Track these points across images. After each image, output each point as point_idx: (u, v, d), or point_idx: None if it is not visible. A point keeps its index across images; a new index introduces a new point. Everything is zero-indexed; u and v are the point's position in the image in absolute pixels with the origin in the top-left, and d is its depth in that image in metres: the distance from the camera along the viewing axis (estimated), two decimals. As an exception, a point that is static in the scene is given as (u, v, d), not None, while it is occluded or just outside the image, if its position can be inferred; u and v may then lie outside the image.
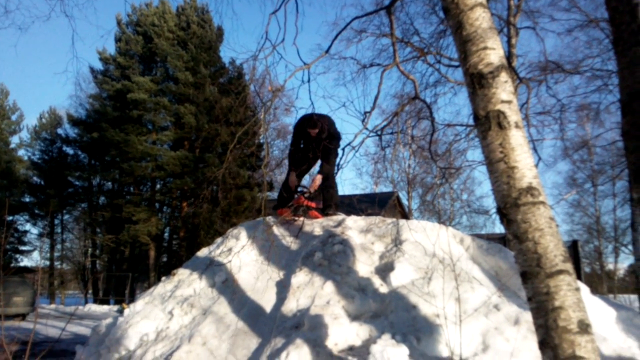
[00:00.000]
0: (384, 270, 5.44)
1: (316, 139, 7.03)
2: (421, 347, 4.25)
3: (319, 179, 7.04)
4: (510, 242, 3.13)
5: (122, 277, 33.64)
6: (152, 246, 34.18)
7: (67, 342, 12.11)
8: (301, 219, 6.77)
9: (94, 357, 5.43)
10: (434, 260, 5.46)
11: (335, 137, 7.11)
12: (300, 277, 5.49)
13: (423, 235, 5.95)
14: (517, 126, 3.09)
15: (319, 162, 7.39)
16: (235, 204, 29.66)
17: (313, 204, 7.21)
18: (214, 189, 27.04)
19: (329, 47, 5.61)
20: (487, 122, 3.13)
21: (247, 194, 30.39)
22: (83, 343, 6.04)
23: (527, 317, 4.38)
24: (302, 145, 7.32)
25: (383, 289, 5.15)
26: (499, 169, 3.06)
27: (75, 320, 18.07)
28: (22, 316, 20.67)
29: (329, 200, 7.24)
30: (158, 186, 36.50)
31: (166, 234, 37.30)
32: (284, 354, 4.28)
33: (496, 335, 4.32)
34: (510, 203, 2.99)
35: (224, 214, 29.66)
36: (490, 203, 43.93)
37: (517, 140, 3.05)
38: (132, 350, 5.16)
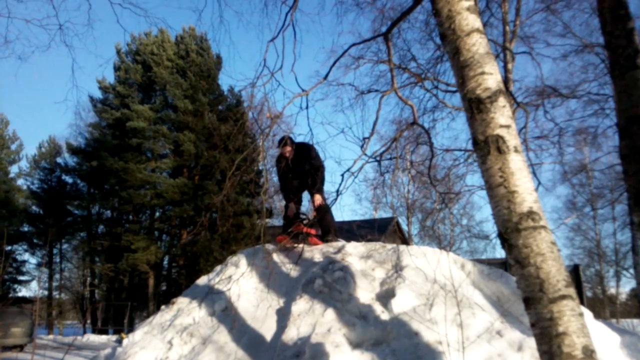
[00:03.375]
0: (385, 296, 5.39)
1: (294, 163, 7.17)
2: (424, 375, 4.20)
3: (318, 198, 7.10)
4: (512, 267, 3.11)
5: (121, 306, 33.34)
6: (151, 275, 33.95)
7: (64, 374, 11.93)
8: (300, 245, 6.73)
9: (92, 388, 5.35)
10: (435, 286, 5.41)
11: (318, 166, 7.18)
12: (301, 304, 5.44)
13: (424, 261, 5.92)
14: (516, 150, 3.09)
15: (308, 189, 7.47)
16: (234, 231, 29.54)
17: (313, 231, 7.19)
18: (212, 216, 26.98)
19: (327, 73, 5.65)
20: (486, 147, 3.13)
21: (247, 221, 30.30)
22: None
23: (531, 343, 4.33)
24: (287, 174, 7.33)
25: (384, 315, 5.10)
26: (499, 193, 3.06)
27: (73, 351, 17.87)
28: (20, 347, 20.43)
29: (327, 227, 7.22)
30: (157, 214, 36.44)
31: (165, 262, 37.08)
32: (284, 384, 4.22)
33: (500, 362, 4.26)
34: (511, 228, 2.98)
35: (223, 241, 29.54)
36: (490, 228, 43.81)
37: (517, 165, 3.05)
38: (131, 381, 5.09)
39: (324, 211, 7.11)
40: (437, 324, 4.71)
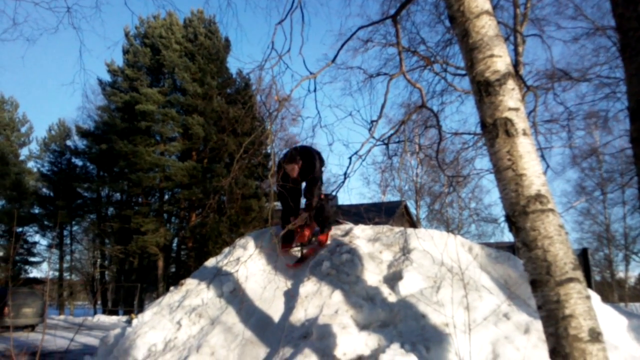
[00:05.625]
0: (393, 279, 5.42)
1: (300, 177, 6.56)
2: (430, 356, 4.22)
3: (303, 215, 6.39)
4: (519, 250, 3.11)
5: (131, 287, 33.67)
6: (160, 256, 34.21)
7: (76, 353, 12.10)
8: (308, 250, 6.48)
9: (102, 367, 5.43)
10: (443, 269, 5.43)
11: (318, 178, 6.57)
12: (309, 286, 5.47)
13: (431, 244, 5.93)
14: (524, 133, 3.08)
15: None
16: (242, 214, 29.65)
17: (307, 231, 6.58)
18: (221, 198, 27.07)
19: (335, 56, 5.61)
20: (494, 130, 3.12)
21: (255, 204, 30.38)
22: (92, 354, 6.05)
23: (538, 325, 4.35)
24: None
25: (391, 298, 5.13)
26: (507, 176, 3.05)
27: (84, 331, 18.08)
28: (32, 327, 20.71)
29: (325, 223, 6.59)
30: (166, 197, 36.61)
31: (174, 245, 37.33)
32: (292, 364, 4.26)
33: (506, 344, 4.28)
34: (518, 211, 2.97)
35: (231, 224, 29.67)
36: (498, 211, 43.72)
37: (525, 148, 3.03)
38: (141, 361, 5.15)
39: (320, 209, 6.47)
40: (444, 307, 4.73)
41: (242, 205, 29.73)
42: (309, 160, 6.53)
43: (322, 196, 6.63)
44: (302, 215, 6.32)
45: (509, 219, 3.11)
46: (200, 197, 32.05)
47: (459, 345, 4.16)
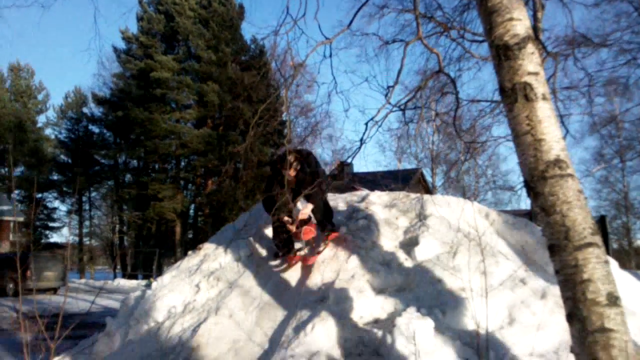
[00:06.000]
0: (409, 244, 5.44)
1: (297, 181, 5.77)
2: (447, 320, 4.26)
3: (308, 207, 5.67)
4: (537, 215, 3.10)
5: (149, 253, 34.18)
6: (177, 223, 34.64)
7: (97, 315, 12.39)
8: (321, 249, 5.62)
9: (123, 328, 5.55)
10: (459, 234, 5.44)
11: (320, 172, 5.84)
12: (325, 251, 5.51)
13: (448, 210, 5.93)
14: (544, 98, 3.04)
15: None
16: (258, 181, 29.80)
17: (313, 228, 5.71)
18: (236, 165, 27.19)
19: (351, 21, 5.52)
20: (513, 94, 3.08)
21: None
22: (113, 315, 6.17)
23: (555, 290, 4.36)
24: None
25: (408, 263, 5.16)
26: (525, 141, 3.02)
27: (104, 294, 18.46)
28: (53, 290, 21.20)
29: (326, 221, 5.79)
30: (182, 164, 36.90)
31: (191, 211, 37.77)
32: (309, 326, 4.33)
33: (522, 308, 4.30)
34: (537, 176, 2.95)
35: (247, 191, 29.87)
36: (515, 179, 43.39)
37: (544, 113, 3.00)
38: (161, 322, 5.25)
39: (320, 204, 5.72)
40: (461, 272, 4.74)
41: (258, 173, 29.87)
42: (305, 158, 5.84)
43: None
44: (307, 206, 5.58)
45: (528, 184, 3.09)
46: (216, 164, 32.23)
47: (475, 309, 4.19)
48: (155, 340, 4.98)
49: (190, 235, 37.48)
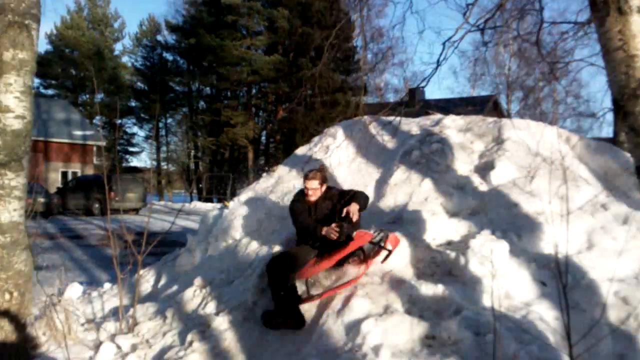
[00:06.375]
0: (484, 169, 5.34)
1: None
2: (522, 243, 4.21)
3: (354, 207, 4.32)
4: (626, 135, 2.96)
5: (223, 177, 35.27)
6: (250, 149, 35.41)
7: (177, 234, 13.04)
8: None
9: (203, 244, 5.82)
10: (537, 158, 5.28)
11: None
12: (398, 175, 5.51)
13: (526, 134, 5.74)
14: (639, 11, 2.84)
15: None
16: (329, 108, 29.75)
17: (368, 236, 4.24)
18: (308, 92, 27.14)
19: None
20: (605, 8, 2.89)
21: (341, 98, 30.32)
22: (192, 234, 6.49)
23: (638, 216, 4.21)
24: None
25: (482, 187, 5.08)
26: (616, 57, 2.86)
27: (182, 216, 19.32)
28: (136, 211, 22.43)
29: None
30: (254, 91, 37.22)
31: (263, 138, 38.40)
32: (382, 247, 4.38)
33: (602, 234, 4.18)
34: (628, 94, 2.81)
35: (318, 118, 29.91)
36: (597, 106, 41.28)
37: (639, 27, 2.81)
38: (238, 240, 5.47)
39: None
40: (538, 196, 4.63)
41: (328, 100, 29.76)
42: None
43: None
44: (353, 206, 4.27)
45: (617, 103, 2.94)
46: (287, 90, 32.32)
47: (552, 233, 4.11)
48: (233, 256, 5.20)
49: (262, 162, 38.28)
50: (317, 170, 4.64)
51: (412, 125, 6.67)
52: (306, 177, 4.56)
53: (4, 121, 4.12)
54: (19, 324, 4.38)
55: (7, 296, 4.24)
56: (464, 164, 5.51)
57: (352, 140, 6.49)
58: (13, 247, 4.23)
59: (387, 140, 6.45)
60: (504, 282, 3.77)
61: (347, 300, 3.92)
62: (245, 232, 5.54)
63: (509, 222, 4.49)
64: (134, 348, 4.29)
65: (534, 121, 6.35)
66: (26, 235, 4.41)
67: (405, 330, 3.51)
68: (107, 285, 6.34)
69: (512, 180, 5.02)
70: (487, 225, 4.49)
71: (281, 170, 6.54)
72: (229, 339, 4.03)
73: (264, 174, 6.82)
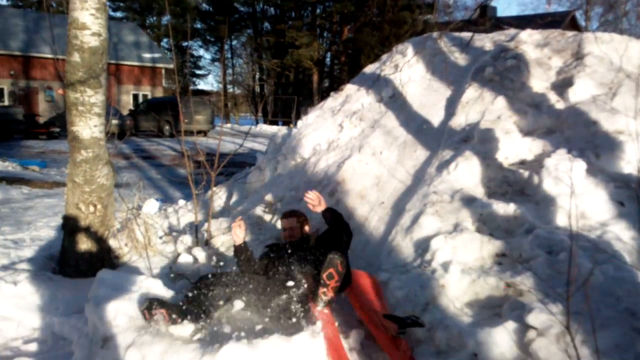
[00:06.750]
0: (562, 85, 5.10)
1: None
2: (600, 163, 4.05)
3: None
4: None
5: (288, 100, 35.38)
6: (314, 70, 35.14)
7: (244, 155, 13.34)
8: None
9: (272, 163, 5.93)
10: (620, 74, 4.98)
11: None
12: (470, 92, 5.35)
13: (609, 48, 5.40)
14: None
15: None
16: (395, 28, 28.87)
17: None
18: (374, 11, 26.37)
19: None
20: None
21: (408, 16, 29.30)
22: (261, 154, 6.60)
23: None
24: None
25: (559, 105, 4.87)
26: None
27: (249, 138, 19.65)
28: (204, 133, 22.96)
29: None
30: (318, 10, 36.49)
31: (327, 59, 37.95)
32: (452, 165, 4.34)
33: (690, 153, 3.96)
34: None
35: (383, 37, 29.14)
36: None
37: None
38: (307, 158, 5.53)
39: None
40: (619, 114, 4.41)
41: (395, 19, 28.85)
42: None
43: None
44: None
45: None
46: (352, 10, 31.53)
47: (634, 152, 3.93)
48: (302, 174, 5.29)
49: (327, 84, 38.01)
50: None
51: (485, 41, 6.41)
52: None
53: (81, 38, 4.23)
54: (103, 235, 4.66)
55: (91, 208, 4.49)
56: (540, 81, 5.28)
57: (423, 57, 6.30)
58: (95, 161, 4.44)
59: (459, 57, 6.24)
60: (580, 201, 3.67)
61: (416, 217, 3.94)
62: (314, 151, 5.59)
63: (587, 140, 4.31)
64: (209, 259, 4.51)
65: (617, 35, 5.94)
66: (107, 151, 4.62)
67: (475, 248, 3.51)
68: (181, 202, 6.61)
69: (591, 97, 4.78)
70: (563, 144, 4.33)
71: (349, 89, 6.48)
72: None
73: (332, 93, 6.78)
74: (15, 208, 7.85)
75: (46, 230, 6.29)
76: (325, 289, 2.93)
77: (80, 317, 3.49)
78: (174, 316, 2.96)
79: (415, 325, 2.81)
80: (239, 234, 3.63)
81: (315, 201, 3.71)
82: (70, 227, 4.54)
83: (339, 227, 3.63)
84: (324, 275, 2.92)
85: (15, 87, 29.71)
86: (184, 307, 3.05)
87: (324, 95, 33.00)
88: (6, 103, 28.36)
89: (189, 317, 3.05)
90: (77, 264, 4.52)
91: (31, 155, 16.06)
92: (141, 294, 3.06)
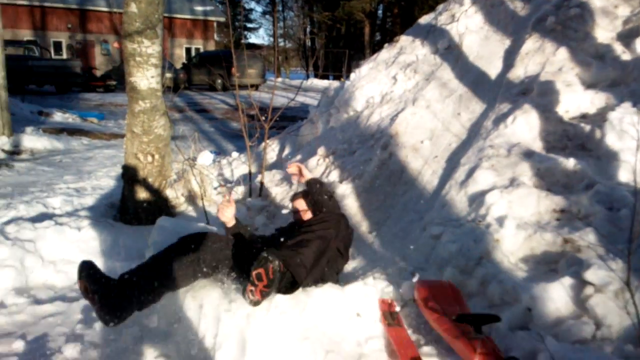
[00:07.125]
0: (628, 36, 4.84)
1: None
2: (669, 116, 3.87)
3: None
4: None
5: (339, 54, 34.98)
6: (366, 23, 34.50)
7: (296, 109, 13.34)
8: None
9: (324, 116, 5.92)
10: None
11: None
12: (530, 43, 5.15)
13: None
14: None
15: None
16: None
17: None
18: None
19: None
20: None
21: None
22: (315, 107, 6.59)
23: None
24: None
25: (625, 56, 4.64)
26: None
27: (300, 92, 19.61)
28: (255, 87, 23.03)
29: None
30: (371, -41, 35.62)
31: (380, 12, 37.15)
32: (510, 119, 4.23)
33: None
34: None
35: (439, -12, 28.26)
36: None
37: None
38: (359, 111, 5.49)
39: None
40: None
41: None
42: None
43: None
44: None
45: None
46: (406, -42, 30.58)
47: None
48: (355, 127, 5.26)
49: (378, 38, 37.33)
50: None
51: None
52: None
53: (138, -11, 4.27)
54: (160, 185, 4.79)
55: (149, 158, 4.61)
56: (605, 31, 5.02)
57: (481, 7, 6.08)
58: (152, 112, 4.53)
59: (519, 7, 5.99)
60: (645, 157, 3.53)
61: (471, 172, 3.89)
62: (367, 104, 5.53)
63: (654, 93, 4.12)
64: (263, 210, 4.58)
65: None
66: (163, 102, 4.70)
67: (532, 203, 3.44)
68: (234, 154, 6.71)
69: (664, 46, 4.53)
70: (628, 98, 4.15)
71: (403, 40, 6.34)
72: (350, 205, 4.18)
73: (386, 45, 6.65)
74: (76, 158, 8.14)
75: (106, 179, 6.52)
76: (253, 288, 2.47)
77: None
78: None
79: (491, 321, 2.47)
80: (227, 213, 3.10)
81: (296, 172, 3.43)
82: (129, 176, 4.68)
83: (320, 203, 3.21)
84: (254, 273, 2.45)
85: (72, 40, 30.41)
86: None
87: (375, 49, 32.41)
88: (64, 56, 29.11)
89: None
90: (136, 211, 4.68)
91: (89, 107, 16.54)
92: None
